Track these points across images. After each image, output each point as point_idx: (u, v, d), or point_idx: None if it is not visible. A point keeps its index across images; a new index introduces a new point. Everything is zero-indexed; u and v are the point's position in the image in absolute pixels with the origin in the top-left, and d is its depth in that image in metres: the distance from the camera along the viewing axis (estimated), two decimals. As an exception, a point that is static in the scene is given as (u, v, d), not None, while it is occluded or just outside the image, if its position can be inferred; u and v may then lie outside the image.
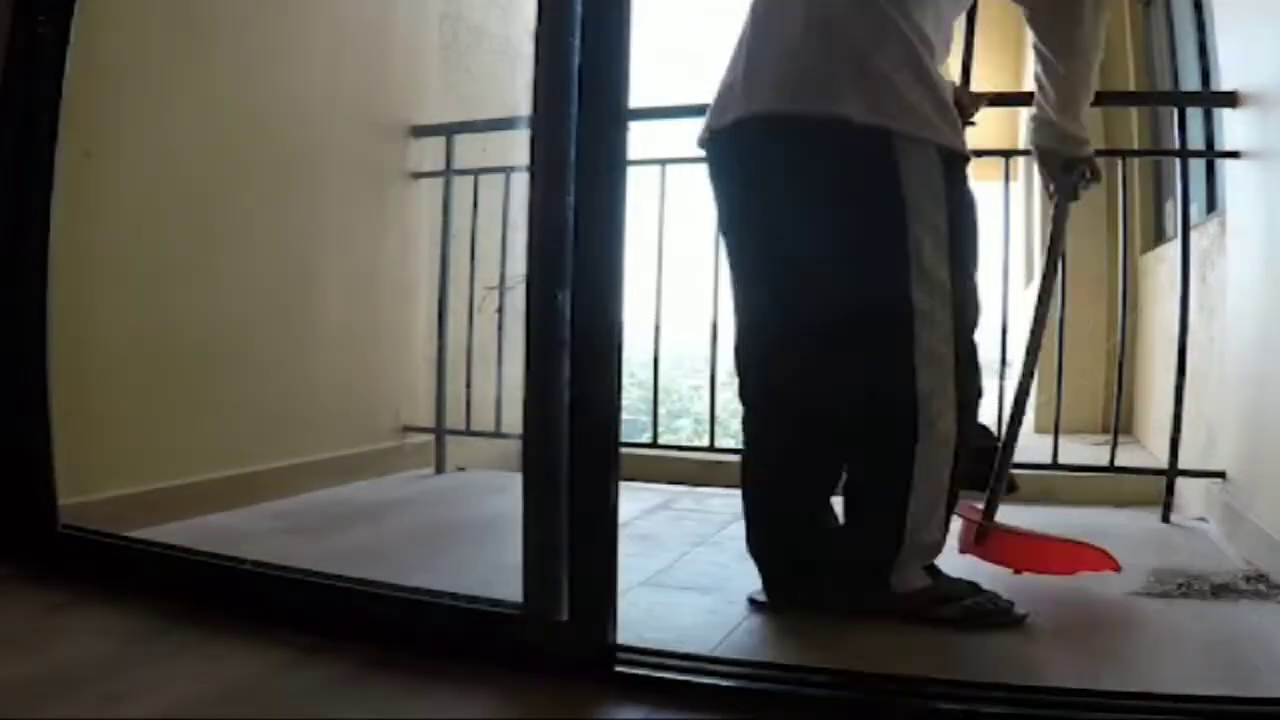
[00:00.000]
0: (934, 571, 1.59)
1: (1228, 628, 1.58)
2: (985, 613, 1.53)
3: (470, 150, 2.96)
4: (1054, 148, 1.73)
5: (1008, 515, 1.82)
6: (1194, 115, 3.06)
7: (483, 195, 2.89)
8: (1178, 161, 2.57)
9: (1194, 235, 2.56)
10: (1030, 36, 1.64)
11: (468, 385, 2.87)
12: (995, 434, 1.94)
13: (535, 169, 1.33)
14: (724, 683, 1.27)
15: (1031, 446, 2.37)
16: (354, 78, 2.71)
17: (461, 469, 2.94)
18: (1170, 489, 2.39)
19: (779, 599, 1.61)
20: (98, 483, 1.89)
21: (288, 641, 1.39)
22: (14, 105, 1.76)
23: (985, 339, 1.65)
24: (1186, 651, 1.48)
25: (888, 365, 1.50)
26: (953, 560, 1.67)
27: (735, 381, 1.70)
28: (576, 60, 1.28)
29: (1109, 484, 2.79)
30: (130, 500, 1.94)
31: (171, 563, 1.64)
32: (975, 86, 1.81)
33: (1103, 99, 4.90)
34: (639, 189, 2.25)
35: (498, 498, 2.45)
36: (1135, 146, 4.29)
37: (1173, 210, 3.63)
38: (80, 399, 1.85)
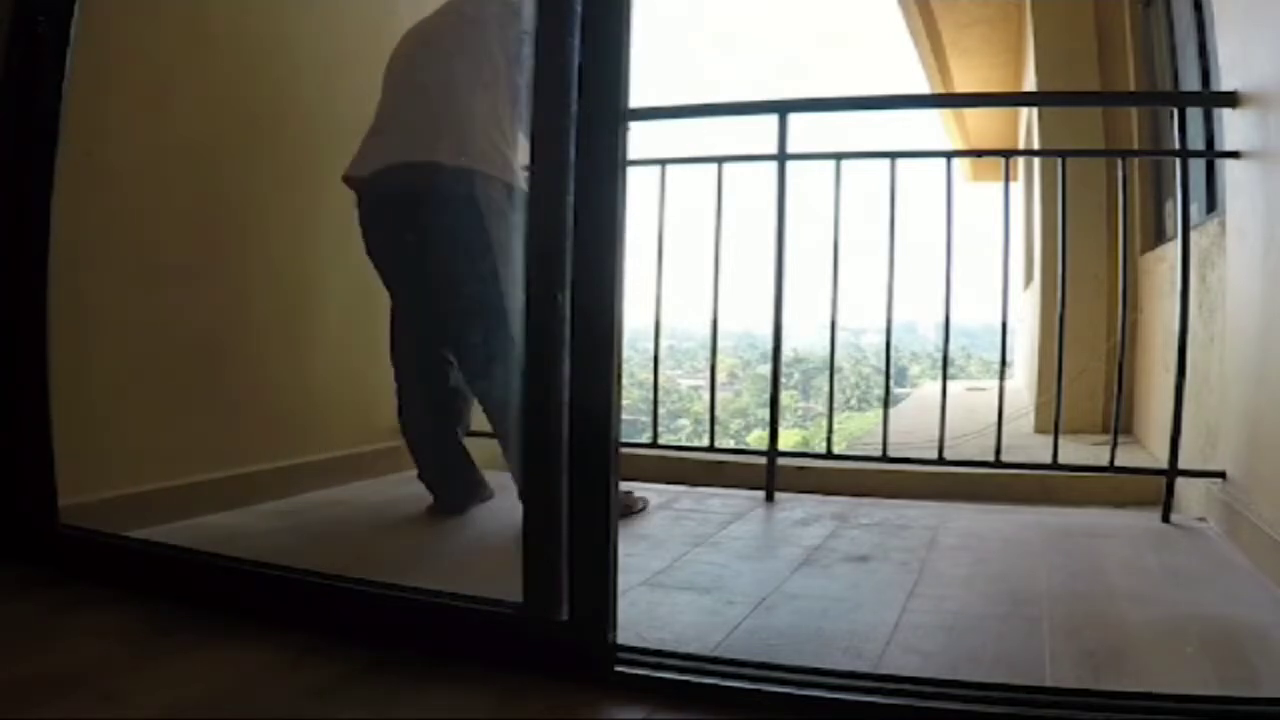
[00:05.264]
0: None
1: (1228, 627, 1.58)
2: None
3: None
4: None
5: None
6: (1194, 115, 3.06)
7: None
8: (1177, 161, 2.56)
9: (1194, 235, 2.56)
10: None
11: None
12: None
13: (535, 169, 1.33)
14: (724, 683, 1.27)
15: (1031, 446, 2.37)
16: (355, 78, 2.71)
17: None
18: (1170, 489, 2.39)
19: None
20: (98, 483, 1.89)
21: (288, 641, 1.39)
22: (14, 106, 1.76)
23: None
24: (1186, 651, 1.48)
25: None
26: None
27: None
28: (576, 60, 1.29)
29: (1109, 484, 2.79)
30: (130, 500, 1.94)
31: (171, 563, 1.64)
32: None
33: (1103, 99, 4.91)
34: (639, 189, 2.26)
35: (498, 498, 2.45)
36: (1135, 146, 4.29)
37: (1173, 210, 3.64)
38: (80, 399, 1.85)
